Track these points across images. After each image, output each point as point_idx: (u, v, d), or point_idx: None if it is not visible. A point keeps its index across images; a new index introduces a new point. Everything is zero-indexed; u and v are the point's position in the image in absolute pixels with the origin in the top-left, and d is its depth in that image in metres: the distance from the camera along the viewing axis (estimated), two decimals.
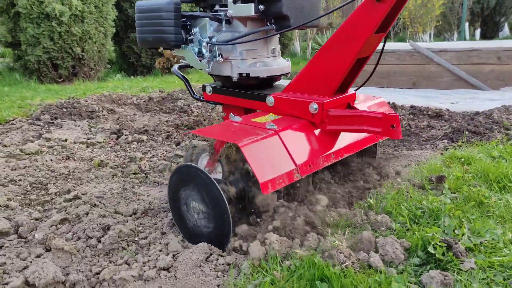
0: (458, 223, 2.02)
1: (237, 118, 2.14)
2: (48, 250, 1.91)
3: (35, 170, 3.06)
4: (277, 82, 2.58)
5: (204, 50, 2.40)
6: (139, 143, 3.75)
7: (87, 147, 3.67)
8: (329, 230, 1.96)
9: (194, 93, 2.67)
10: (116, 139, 3.88)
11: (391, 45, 7.86)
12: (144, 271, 1.80)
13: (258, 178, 1.71)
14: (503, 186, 2.47)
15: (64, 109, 4.72)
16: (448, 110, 4.56)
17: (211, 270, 1.79)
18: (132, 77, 8.28)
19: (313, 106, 2.04)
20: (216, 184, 1.82)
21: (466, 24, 13.14)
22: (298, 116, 2.11)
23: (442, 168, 2.72)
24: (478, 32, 13.67)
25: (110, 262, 1.89)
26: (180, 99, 5.56)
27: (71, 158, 3.35)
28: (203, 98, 2.65)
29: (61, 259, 1.82)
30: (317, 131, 2.09)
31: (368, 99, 2.50)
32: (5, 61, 9.22)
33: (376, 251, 1.83)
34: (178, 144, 3.73)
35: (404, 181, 2.55)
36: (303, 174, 1.88)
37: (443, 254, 1.78)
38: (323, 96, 2.08)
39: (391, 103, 4.84)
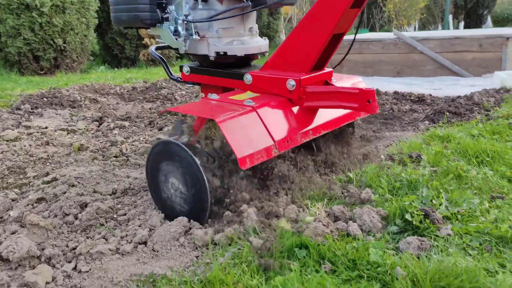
0: (436, 193, 2.04)
1: (215, 96, 2.13)
2: (23, 227, 1.88)
3: (13, 154, 3.01)
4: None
5: (180, 28, 2.36)
6: (121, 129, 3.71)
7: (68, 133, 3.62)
8: (308, 202, 1.96)
9: (171, 74, 2.64)
10: (98, 126, 3.84)
11: (375, 35, 7.90)
12: (122, 245, 1.78)
13: (236, 153, 1.70)
14: (481, 160, 2.49)
15: (45, 99, 4.66)
16: (430, 95, 4.60)
17: (189, 243, 1.78)
18: (116, 69, 8.20)
19: (290, 83, 2.04)
20: (198, 163, 1.80)
21: (450, 17, 13.26)
22: (276, 94, 2.11)
23: (422, 145, 2.74)
24: (462, 24, 13.82)
25: (88, 237, 1.87)
26: (164, 88, 5.52)
27: (50, 144, 3.30)
28: (181, 79, 2.63)
29: (36, 235, 1.80)
30: (295, 108, 2.08)
31: (345, 77, 2.50)
32: None
33: (354, 221, 1.84)
34: (161, 129, 3.71)
35: (384, 158, 2.56)
36: (281, 150, 1.88)
37: (420, 222, 1.80)
38: (300, 72, 2.07)
39: (374, 89, 4.86)
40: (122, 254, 1.74)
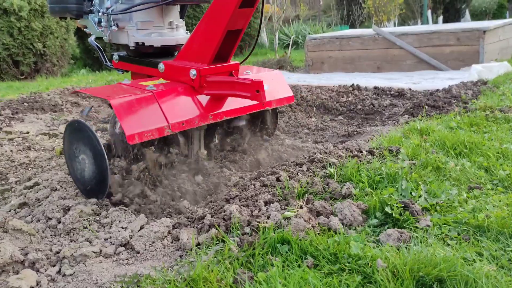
0: (415, 186, 2.08)
1: (127, 81, 2.39)
2: (5, 232, 1.87)
3: None
4: None
5: (102, 20, 2.56)
6: (103, 132, 3.69)
7: (50, 137, 3.60)
8: (289, 199, 1.99)
9: (106, 61, 2.80)
10: None
11: (355, 31, 7.98)
12: (106, 247, 1.78)
13: (124, 130, 1.95)
14: (459, 152, 2.55)
15: (25, 104, 4.60)
16: (410, 89, 4.68)
17: (172, 243, 1.79)
18: (97, 72, 8.13)
19: (192, 72, 2.28)
20: (97, 138, 2.08)
21: (429, 12, 13.43)
22: (183, 81, 2.34)
23: (401, 139, 2.79)
24: (440, 19, 13.99)
25: (71, 241, 1.87)
26: None
27: (32, 149, 3.28)
28: (112, 66, 2.81)
29: (19, 240, 1.79)
30: (200, 96, 2.32)
31: (261, 71, 2.78)
32: None
33: (335, 216, 1.87)
34: None
35: (364, 152, 2.60)
36: (174, 130, 2.13)
37: (400, 214, 1.84)
38: (202, 63, 2.30)
39: (354, 85, 4.92)
40: (106, 256, 1.75)
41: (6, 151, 3.13)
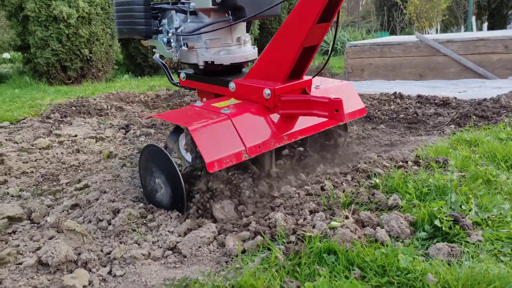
0: (465, 199, 2.03)
1: (199, 103, 2.32)
2: (60, 232, 1.95)
3: (46, 162, 3.11)
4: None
5: (171, 40, 2.53)
6: (147, 136, 3.79)
7: (96, 141, 3.72)
8: (335, 208, 1.98)
9: (172, 79, 2.79)
10: (125, 134, 3.93)
11: (396, 38, 7.84)
12: (154, 250, 1.83)
13: (204, 158, 1.88)
14: (510, 165, 2.46)
15: (73, 108, 4.79)
16: (455, 98, 4.55)
17: (218, 248, 1.82)
18: (139, 77, 8.35)
19: (266, 92, 2.18)
20: (172, 160, 2.03)
21: (473, 18, 13.05)
22: (255, 101, 2.25)
23: (448, 149, 2.72)
24: (485, 25, 13.56)
25: (121, 242, 1.92)
26: (187, 95, 5.61)
27: (81, 152, 3.40)
28: (179, 84, 2.80)
29: (73, 240, 1.86)
30: (273, 115, 2.23)
31: (331, 83, 2.65)
32: (14, 66, 9.35)
33: (382, 227, 1.84)
34: None
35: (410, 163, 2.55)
36: (252, 154, 2.03)
37: (450, 228, 1.79)
38: (276, 82, 2.20)
39: (397, 93, 4.83)
40: (154, 259, 1.79)
41: (57, 153, 3.26)
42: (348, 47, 7.09)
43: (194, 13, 2.47)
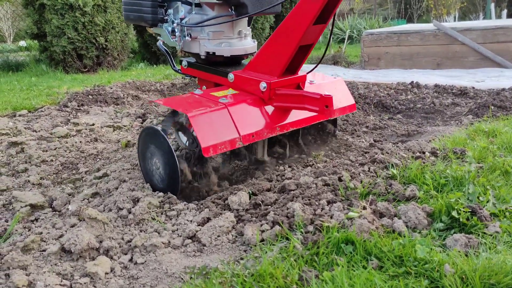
0: (482, 190, 2.02)
1: (198, 91, 2.45)
2: (81, 220, 2.00)
3: (65, 151, 3.17)
4: None
5: (176, 30, 2.63)
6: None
7: (114, 130, 3.77)
8: (352, 199, 1.99)
9: (174, 66, 2.87)
10: (142, 123, 3.97)
11: (413, 26, 7.74)
12: (173, 238, 1.86)
13: (200, 143, 2.03)
14: None
15: (90, 96, 4.84)
16: (473, 88, 4.49)
17: (237, 238, 1.85)
18: (155, 65, 8.39)
19: (262, 85, 2.30)
20: (169, 143, 2.16)
21: (492, 5, 12.78)
22: (251, 92, 2.38)
23: (466, 140, 2.70)
24: (504, 13, 13.28)
25: (141, 231, 1.96)
26: None
27: (99, 140, 3.45)
28: (180, 71, 2.88)
29: (94, 228, 1.90)
30: (268, 107, 2.36)
31: (325, 78, 2.78)
32: (31, 54, 9.45)
33: (399, 218, 1.85)
34: None
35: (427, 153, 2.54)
36: (245, 142, 2.19)
37: (467, 219, 1.79)
38: (272, 76, 2.33)
39: (414, 82, 4.79)
40: (174, 248, 1.83)
41: (76, 142, 3.32)
42: (365, 35, 7.02)
43: (199, 5, 2.59)
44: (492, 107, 3.43)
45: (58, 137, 3.50)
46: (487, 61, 6.04)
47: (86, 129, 3.71)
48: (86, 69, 7.45)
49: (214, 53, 2.57)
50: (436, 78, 5.32)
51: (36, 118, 4.13)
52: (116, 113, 4.34)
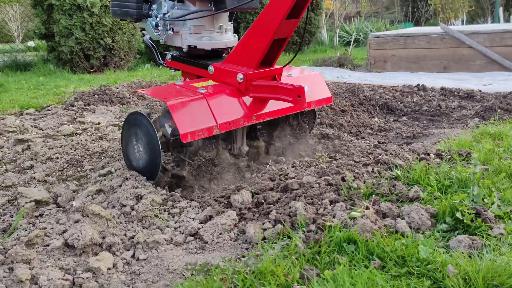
0: (487, 192, 2.01)
1: (179, 82, 2.55)
2: (85, 216, 2.00)
3: (70, 149, 3.19)
4: None
5: (159, 24, 2.73)
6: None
7: (119, 129, 3.78)
8: (355, 199, 1.98)
9: (159, 59, 2.96)
10: None
11: (420, 29, 7.71)
12: (175, 235, 1.87)
13: (179, 129, 2.12)
14: None
15: (96, 96, 4.87)
16: (480, 91, 4.47)
17: (239, 235, 1.85)
18: (160, 66, 8.42)
19: (239, 76, 2.41)
20: (153, 127, 2.25)
21: (501, 9, 12.71)
22: (230, 84, 2.49)
23: (472, 142, 2.69)
24: None
25: (144, 228, 1.97)
26: None
27: (104, 139, 3.47)
28: (165, 64, 2.95)
29: (97, 224, 1.91)
30: (245, 98, 2.46)
31: (304, 72, 2.88)
32: (39, 54, 9.52)
33: (402, 218, 1.84)
34: None
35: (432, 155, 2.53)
36: (222, 130, 2.28)
37: (471, 221, 1.78)
38: (249, 68, 2.44)
39: (420, 85, 4.77)
40: (176, 244, 1.83)
41: (81, 140, 3.33)
42: (371, 38, 7.01)
43: (181, 1, 2.67)
44: (499, 110, 3.41)
45: (64, 135, 3.52)
46: (495, 64, 6.00)
47: (91, 127, 3.73)
48: (93, 69, 7.49)
49: (195, 46, 2.66)
50: (443, 81, 5.30)
51: (42, 117, 4.16)
52: (121, 112, 4.36)
